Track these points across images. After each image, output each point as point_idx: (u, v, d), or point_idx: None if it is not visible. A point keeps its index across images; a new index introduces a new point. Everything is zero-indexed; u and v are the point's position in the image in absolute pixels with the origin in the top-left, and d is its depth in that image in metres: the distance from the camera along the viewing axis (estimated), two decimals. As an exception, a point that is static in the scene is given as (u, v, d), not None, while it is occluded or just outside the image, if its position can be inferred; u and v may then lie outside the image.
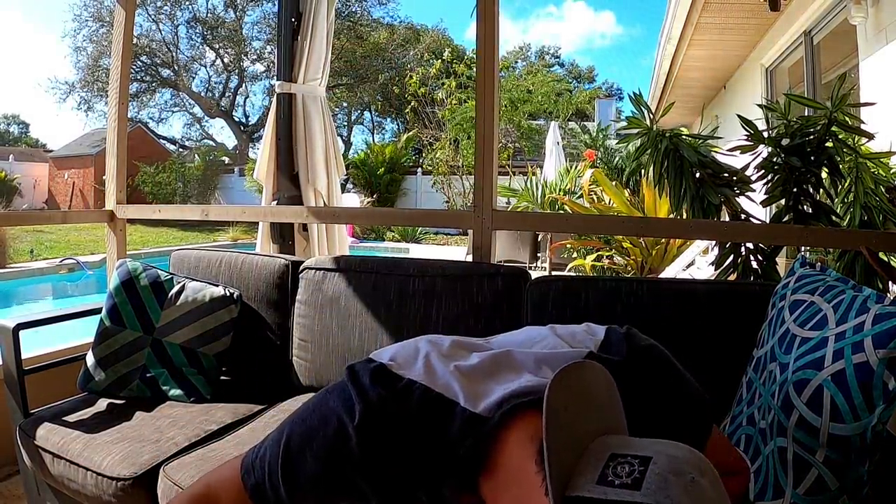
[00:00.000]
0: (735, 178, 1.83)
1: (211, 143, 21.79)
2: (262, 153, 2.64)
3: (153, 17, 19.58)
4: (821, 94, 4.16)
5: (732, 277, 1.79)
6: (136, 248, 11.01)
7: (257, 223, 2.76)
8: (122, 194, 2.39)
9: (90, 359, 1.62)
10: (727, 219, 1.83)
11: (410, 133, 15.50)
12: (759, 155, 1.82)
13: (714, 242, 1.94)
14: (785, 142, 1.75)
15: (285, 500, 0.70)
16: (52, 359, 1.77)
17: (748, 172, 1.82)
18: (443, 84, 13.00)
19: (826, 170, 1.71)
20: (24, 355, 1.60)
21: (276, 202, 2.59)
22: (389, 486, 0.68)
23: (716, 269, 1.85)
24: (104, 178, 2.61)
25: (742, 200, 1.86)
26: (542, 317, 1.46)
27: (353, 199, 11.16)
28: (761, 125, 1.85)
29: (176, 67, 20.24)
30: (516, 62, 22.15)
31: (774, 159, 1.76)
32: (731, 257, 1.81)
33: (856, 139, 1.76)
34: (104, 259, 2.57)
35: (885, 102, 2.60)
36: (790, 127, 1.76)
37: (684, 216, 1.85)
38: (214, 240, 13.33)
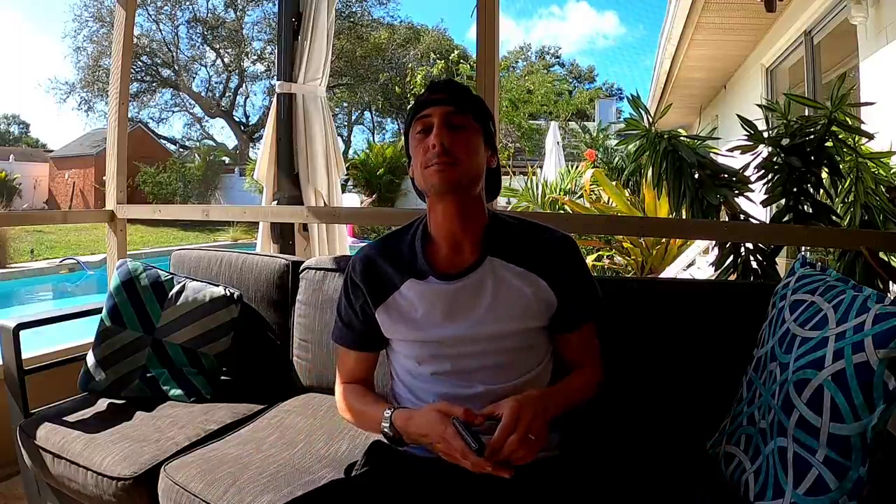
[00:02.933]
0: (734, 178, 1.83)
1: (211, 143, 21.79)
2: (263, 153, 2.64)
3: (153, 17, 19.59)
4: (821, 94, 4.15)
5: (732, 277, 1.79)
6: (136, 248, 11.02)
7: (257, 223, 2.76)
8: (123, 194, 2.39)
9: (90, 359, 1.62)
10: (727, 219, 1.83)
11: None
12: (759, 155, 1.82)
13: (714, 242, 1.94)
14: (785, 142, 1.75)
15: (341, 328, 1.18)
16: (52, 359, 1.77)
17: (748, 172, 1.83)
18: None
19: (826, 170, 1.71)
20: (24, 355, 1.60)
21: (276, 202, 2.59)
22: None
23: (716, 270, 1.85)
24: (104, 178, 2.61)
25: (742, 201, 1.86)
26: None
27: (353, 199, 11.16)
28: (761, 125, 1.85)
29: (176, 67, 20.24)
30: (517, 62, 22.12)
31: (774, 159, 1.76)
32: (731, 257, 1.81)
33: (856, 139, 1.76)
34: (104, 259, 2.57)
35: (885, 102, 2.60)
36: (790, 127, 1.76)
37: (684, 216, 1.85)
38: (214, 240, 13.34)
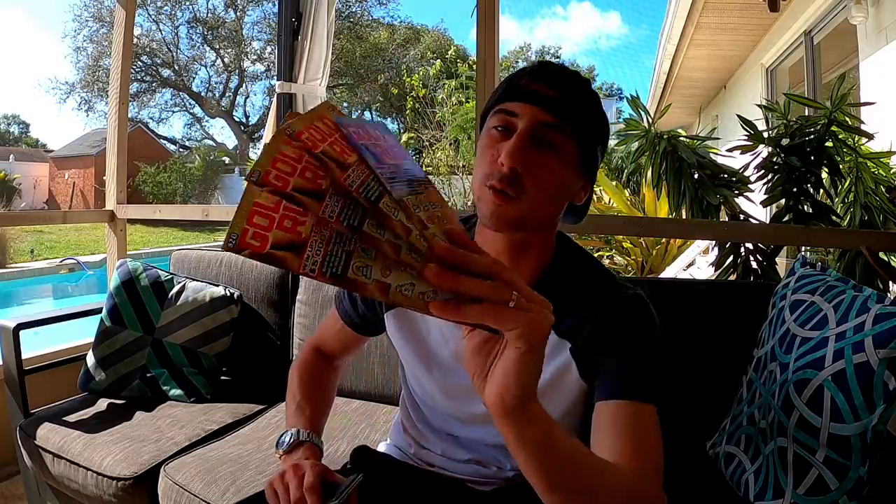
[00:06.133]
0: (734, 178, 1.83)
1: (211, 143, 21.83)
2: (263, 153, 2.64)
3: (153, 17, 19.61)
4: (821, 94, 4.15)
5: (732, 277, 1.79)
6: (136, 248, 11.03)
7: (257, 223, 2.76)
8: (123, 194, 2.39)
9: (90, 359, 1.62)
10: (727, 219, 1.83)
11: (410, 133, 15.50)
12: (759, 155, 1.82)
13: (714, 242, 1.94)
14: (785, 142, 1.75)
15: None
16: (52, 359, 1.77)
17: (748, 172, 1.83)
18: (444, 85, 12.98)
19: (826, 170, 1.71)
20: (24, 355, 1.60)
21: (276, 202, 2.58)
22: None
23: (716, 270, 1.85)
24: (104, 178, 2.61)
25: (742, 201, 1.87)
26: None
27: (353, 199, 11.13)
28: (761, 125, 1.85)
29: (176, 67, 20.25)
30: (517, 62, 22.15)
31: (774, 159, 1.76)
32: (731, 257, 1.81)
33: (856, 139, 1.76)
34: (104, 259, 2.57)
35: (885, 102, 2.59)
36: (790, 127, 1.76)
37: (684, 216, 1.85)
38: (214, 240, 13.34)
